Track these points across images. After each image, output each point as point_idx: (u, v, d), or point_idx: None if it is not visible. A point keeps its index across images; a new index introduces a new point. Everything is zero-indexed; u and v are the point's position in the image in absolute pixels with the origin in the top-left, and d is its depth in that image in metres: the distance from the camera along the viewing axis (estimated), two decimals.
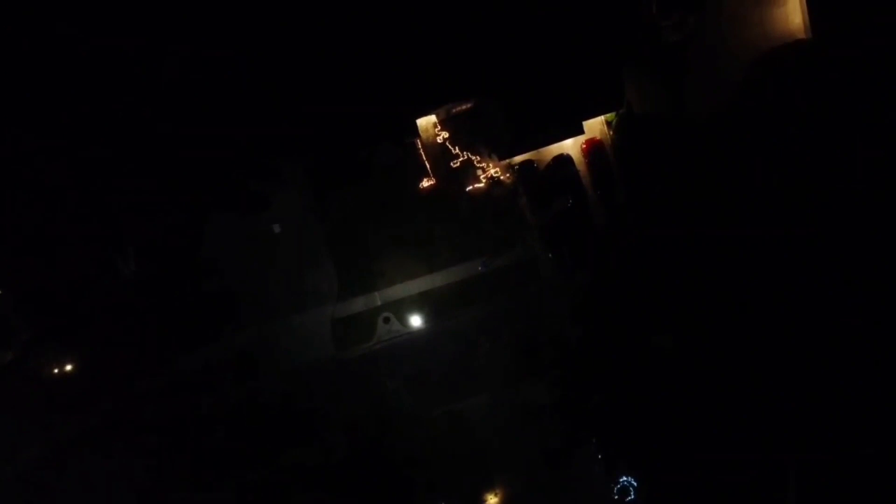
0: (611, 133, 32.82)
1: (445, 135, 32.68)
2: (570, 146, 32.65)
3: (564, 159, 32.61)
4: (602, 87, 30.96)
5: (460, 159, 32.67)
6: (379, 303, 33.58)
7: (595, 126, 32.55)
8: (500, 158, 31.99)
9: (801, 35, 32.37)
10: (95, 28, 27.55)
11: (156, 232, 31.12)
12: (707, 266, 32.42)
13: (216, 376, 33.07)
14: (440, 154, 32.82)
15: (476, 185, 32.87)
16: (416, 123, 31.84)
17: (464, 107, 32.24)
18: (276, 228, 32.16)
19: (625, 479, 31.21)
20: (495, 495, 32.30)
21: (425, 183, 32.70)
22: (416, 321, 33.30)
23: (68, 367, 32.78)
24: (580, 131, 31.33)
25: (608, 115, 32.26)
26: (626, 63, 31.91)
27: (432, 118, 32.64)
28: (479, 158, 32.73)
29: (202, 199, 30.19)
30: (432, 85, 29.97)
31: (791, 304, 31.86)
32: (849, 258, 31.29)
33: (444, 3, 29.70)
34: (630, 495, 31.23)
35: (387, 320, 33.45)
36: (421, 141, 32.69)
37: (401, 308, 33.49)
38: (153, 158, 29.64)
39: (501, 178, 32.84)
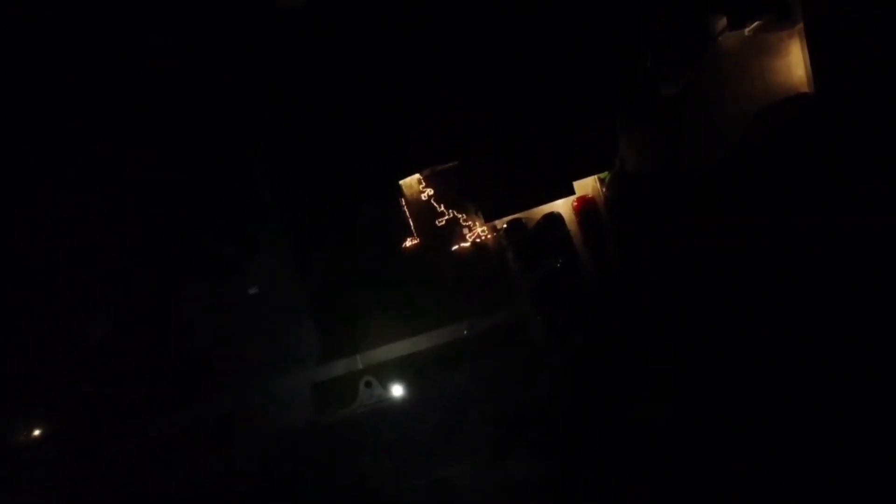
0: (603, 190, 31.37)
1: (430, 192, 31.29)
2: (561, 204, 31.15)
3: (554, 218, 31.16)
4: (595, 144, 29.58)
5: (446, 217, 31.28)
6: (360, 366, 32.13)
7: (587, 183, 31.09)
8: (486, 220, 30.55)
9: (804, 89, 30.84)
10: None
11: (127, 295, 29.80)
12: (704, 330, 31.00)
13: (190, 442, 31.70)
14: (425, 212, 31.42)
15: (462, 245, 31.46)
16: (400, 186, 30.44)
17: (450, 164, 30.83)
18: (253, 290, 30.77)
19: None
20: None
21: (409, 242, 31.29)
22: (398, 385, 31.86)
23: (35, 433, 31.43)
24: (571, 192, 29.88)
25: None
26: (620, 117, 30.52)
27: (417, 174, 31.25)
28: (465, 217, 31.34)
29: (174, 266, 28.90)
30: (417, 146, 28.70)
31: (794, 370, 30.42)
32: (850, 327, 29.83)
33: (429, 59, 28.53)
34: None
35: (368, 384, 31.99)
36: (405, 198, 31.31)
37: (383, 372, 32.03)
38: (120, 220, 28.41)
39: (488, 237, 31.40)
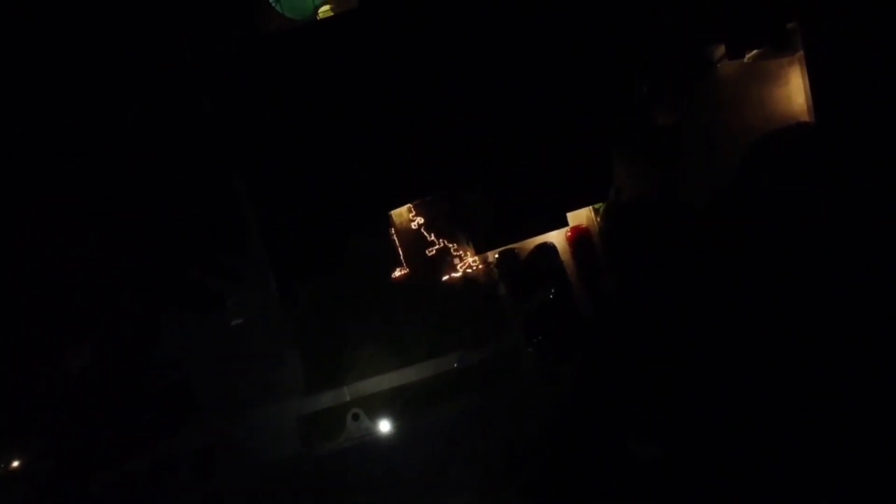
0: (598, 220, 30.56)
1: (420, 220, 30.53)
2: (555, 234, 30.33)
3: (548, 248, 30.36)
4: (589, 175, 28.75)
5: (436, 247, 30.50)
6: (348, 398, 31.33)
7: (581, 212, 30.29)
8: (477, 253, 29.76)
9: (805, 118, 30.00)
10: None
11: (110, 325, 29.07)
12: (700, 365, 30.20)
13: (172, 474, 30.94)
14: (415, 241, 30.65)
15: (452, 275, 30.66)
16: (390, 215, 29.68)
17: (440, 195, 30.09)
18: (237, 322, 30.01)
19: None
20: None
21: (398, 272, 30.50)
22: (386, 418, 31.03)
23: (14, 464, 30.70)
24: (564, 224, 29.07)
25: None
26: (616, 146, 29.72)
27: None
28: (455, 246, 30.56)
29: (158, 297, 28.18)
30: (407, 176, 28.00)
31: (790, 408, 29.63)
32: (850, 356, 29.05)
33: (422, 89, 27.79)
34: None
35: (356, 417, 31.19)
36: (394, 227, 30.54)
37: (371, 404, 31.22)
38: (105, 250, 27.72)
39: (479, 267, 30.62)
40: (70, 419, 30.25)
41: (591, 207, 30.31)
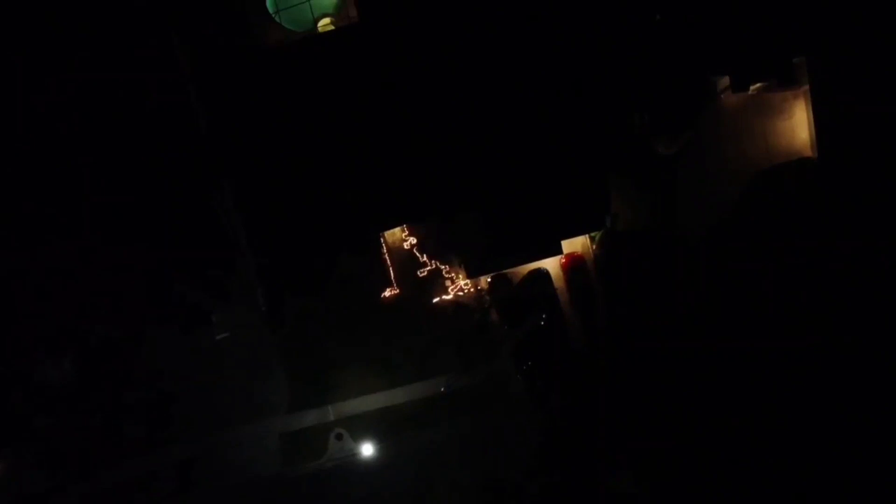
0: (594, 248, 30.04)
1: (413, 241, 30.01)
2: (549, 260, 29.84)
3: (541, 274, 29.84)
4: (585, 203, 28.21)
5: (428, 268, 29.98)
6: (332, 417, 30.82)
7: (577, 239, 29.77)
8: (469, 277, 29.25)
9: (807, 153, 29.53)
10: None
11: (90, 337, 28.52)
12: (690, 398, 29.72)
13: (151, 488, 30.40)
14: (406, 261, 30.14)
15: (443, 298, 30.15)
16: (382, 234, 29.16)
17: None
18: (222, 336, 29.45)
19: None
20: None
21: (388, 293, 29.97)
22: (371, 440, 30.48)
23: None
24: (558, 251, 28.55)
25: None
26: (615, 174, 29.20)
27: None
28: (447, 268, 30.05)
29: (143, 309, 27.64)
30: (401, 199, 27.50)
31: (782, 443, 29.16)
32: (848, 392, 28.62)
33: (419, 112, 27.26)
34: None
35: (339, 437, 30.67)
36: (386, 245, 30.02)
37: (355, 425, 30.70)
38: (90, 263, 27.18)
39: (471, 290, 30.10)
40: (49, 430, 29.70)
41: (587, 235, 29.82)
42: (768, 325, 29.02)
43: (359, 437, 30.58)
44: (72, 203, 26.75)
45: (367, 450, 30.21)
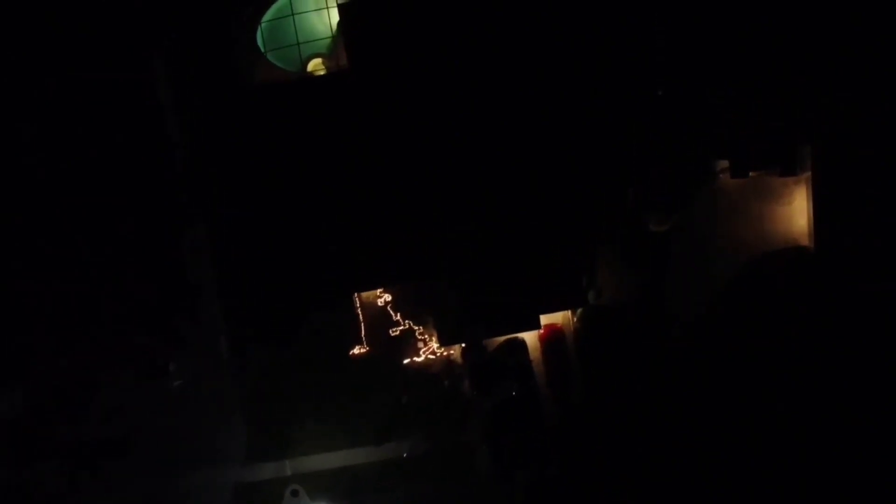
0: (575, 321, 28.85)
1: (388, 298, 28.86)
2: None
3: (517, 344, 28.58)
4: (570, 278, 27.01)
5: (401, 328, 28.84)
6: (289, 472, 29.72)
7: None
8: (441, 345, 28.11)
9: (805, 241, 28.29)
10: None
11: (42, 376, 27.42)
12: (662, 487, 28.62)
13: None
14: (379, 318, 28.98)
15: (414, 360, 29.02)
16: (353, 297, 28.05)
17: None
18: (178, 383, 28.37)
19: None
20: None
21: (357, 350, 28.84)
22: (326, 499, 29.41)
23: None
24: (536, 326, 27.33)
25: None
26: (603, 247, 28.05)
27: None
28: (421, 329, 28.90)
29: (97, 353, 26.56)
30: (378, 261, 26.37)
31: None
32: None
33: (401, 174, 26.15)
34: None
35: (295, 493, 29.55)
36: (360, 301, 28.88)
37: (312, 482, 29.57)
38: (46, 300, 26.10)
39: (443, 354, 28.97)
40: None
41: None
42: (755, 415, 27.96)
43: (315, 495, 29.48)
44: (32, 237, 25.64)
45: (325, 501, 29.13)
